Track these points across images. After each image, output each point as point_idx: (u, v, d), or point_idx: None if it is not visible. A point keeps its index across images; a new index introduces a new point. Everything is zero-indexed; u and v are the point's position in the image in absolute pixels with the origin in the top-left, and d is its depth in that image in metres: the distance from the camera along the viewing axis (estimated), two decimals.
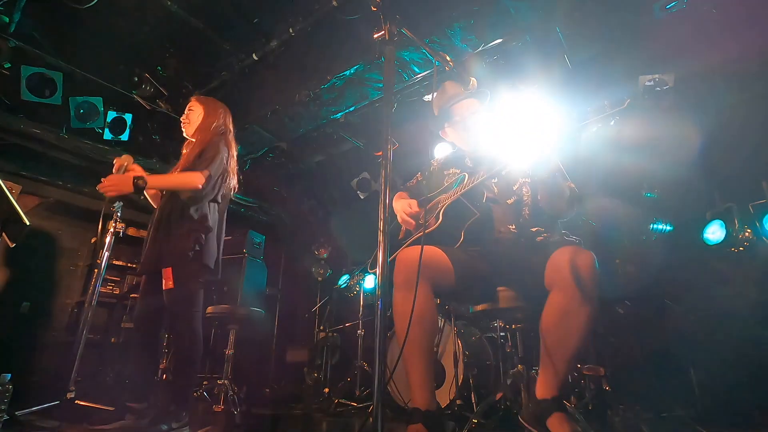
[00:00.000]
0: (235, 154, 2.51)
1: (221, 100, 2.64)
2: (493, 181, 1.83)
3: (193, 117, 2.49)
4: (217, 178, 2.30)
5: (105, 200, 2.15)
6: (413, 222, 1.87)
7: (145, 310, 2.28)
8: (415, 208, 1.87)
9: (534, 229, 1.77)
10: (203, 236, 2.25)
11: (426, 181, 2.08)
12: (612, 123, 1.44)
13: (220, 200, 2.39)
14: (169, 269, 2.15)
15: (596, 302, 1.45)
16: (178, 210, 2.25)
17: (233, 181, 2.48)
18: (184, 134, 2.53)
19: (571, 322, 1.43)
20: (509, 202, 1.82)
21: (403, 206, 1.88)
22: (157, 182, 2.22)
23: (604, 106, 1.44)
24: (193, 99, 2.57)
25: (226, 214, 2.45)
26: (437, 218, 1.79)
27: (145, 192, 2.22)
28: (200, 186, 2.16)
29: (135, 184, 2.08)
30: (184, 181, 2.20)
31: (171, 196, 2.31)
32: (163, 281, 2.16)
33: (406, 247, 1.83)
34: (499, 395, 2.23)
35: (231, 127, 2.56)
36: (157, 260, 2.20)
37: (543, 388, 1.47)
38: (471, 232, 1.71)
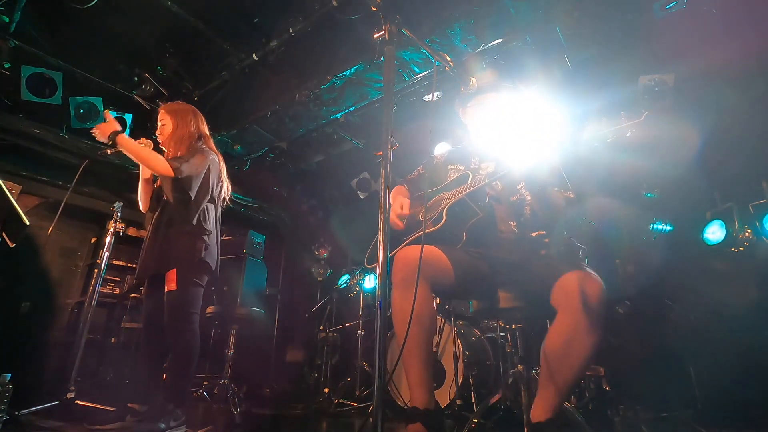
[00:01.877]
0: (222, 160, 2.50)
1: (221, 100, 2.63)
2: (497, 179, 1.82)
3: (166, 130, 2.45)
4: (201, 180, 2.30)
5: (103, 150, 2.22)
6: (401, 224, 1.86)
7: (153, 314, 2.28)
8: (406, 211, 1.87)
9: (535, 234, 1.76)
10: (207, 238, 2.30)
11: (428, 174, 2.06)
12: (629, 134, 1.43)
13: (216, 202, 2.43)
14: (174, 271, 2.17)
15: (602, 331, 1.44)
16: (180, 214, 2.27)
17: (226, 185, 2.50)
18: (161, 146, 2.49)
19: (576, 349, 1.43)
20: (512, 199, 1.81)
21: (394, 208, 1.88)
22: (132, 147, 2.18)
23: (621, 116, 1.43)
24: (161, 110, 2.50)
25: (220, 220, 2.48)
26: (441, 217, 1.78)
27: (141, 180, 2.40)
28: (165, 174, 2.18)
29: (111, 136, 2.16)
30: (154, 162, 2.18)
31: (169, 201, 2.34)
32: (167, 283, 2.17)
33: (406, 245, 1.83)
34: (498, 395, 2.23)
35: (206, 130, 2.53)
36: (160, 263, 2.22)
37: (540, 411, 1.46)
38: (474, 232, 1.71)
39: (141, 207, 2.49)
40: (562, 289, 1.48)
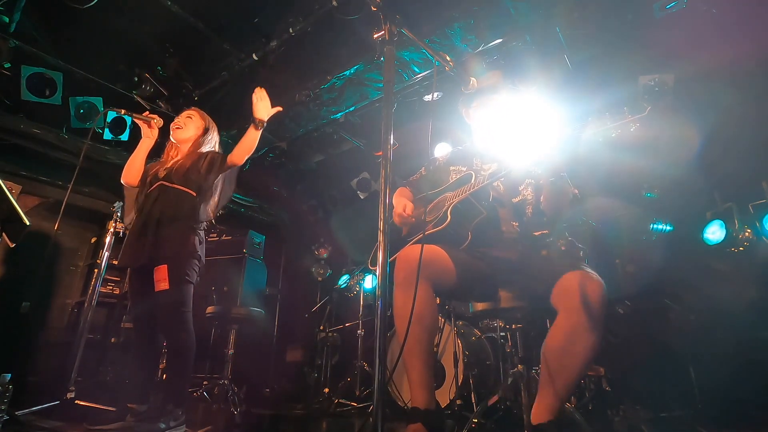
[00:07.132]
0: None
1: (221, 100, 2.64)
2: (499, 179, 1.82)
3: (190, 128, 2.47)
4: (220, 182, 2.39)
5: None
6: (408, 222, 1.86)
7: (143, 310, 2.25)
8: (409, 212, 1.86)
9: (537, 233, 1.76)
10: (202, 233, 2.29)
11: (430, 175, 2.06)
12: (632, 129, 1.42)
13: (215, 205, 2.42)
14: (164, 268, 2.10)
15: (602, 331, 1.44)
16: (184, 208, 2.24)
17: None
18: (172, 137, 2.47)
19: (576, 348, 1.42)
20: (514, 200, 1.81)
21: (396, 206, 1.87)
22: (256, 137, 2.39)
23: (624, 111, 1.43)
24: (195, 110, 2.54)
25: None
26: (445, 217, 1.78)
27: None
28: (243, 159, 2.37)
29: (261, 122, 2.38)
30: (251, 151, 2.38)
31: (167, 194, 2.29)
32: (157, 282, 2.11)
33: (409, 245, 1.82)
34: (498, 395, 2.23)
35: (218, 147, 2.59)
36: (151, 254, 2.15)
37: (541, 413, 1.45)
38: (478, 232, 1.71)
39: (129, 178, 2.43)
40: (563, 289, 1.48)
